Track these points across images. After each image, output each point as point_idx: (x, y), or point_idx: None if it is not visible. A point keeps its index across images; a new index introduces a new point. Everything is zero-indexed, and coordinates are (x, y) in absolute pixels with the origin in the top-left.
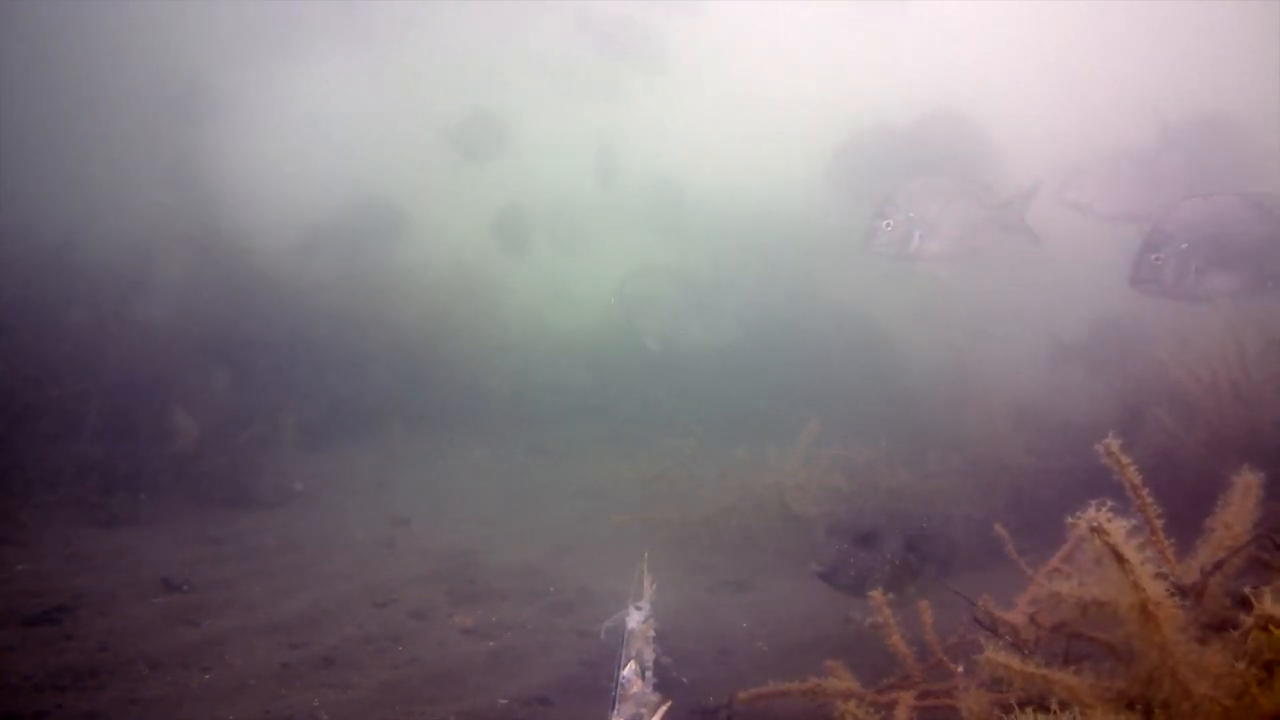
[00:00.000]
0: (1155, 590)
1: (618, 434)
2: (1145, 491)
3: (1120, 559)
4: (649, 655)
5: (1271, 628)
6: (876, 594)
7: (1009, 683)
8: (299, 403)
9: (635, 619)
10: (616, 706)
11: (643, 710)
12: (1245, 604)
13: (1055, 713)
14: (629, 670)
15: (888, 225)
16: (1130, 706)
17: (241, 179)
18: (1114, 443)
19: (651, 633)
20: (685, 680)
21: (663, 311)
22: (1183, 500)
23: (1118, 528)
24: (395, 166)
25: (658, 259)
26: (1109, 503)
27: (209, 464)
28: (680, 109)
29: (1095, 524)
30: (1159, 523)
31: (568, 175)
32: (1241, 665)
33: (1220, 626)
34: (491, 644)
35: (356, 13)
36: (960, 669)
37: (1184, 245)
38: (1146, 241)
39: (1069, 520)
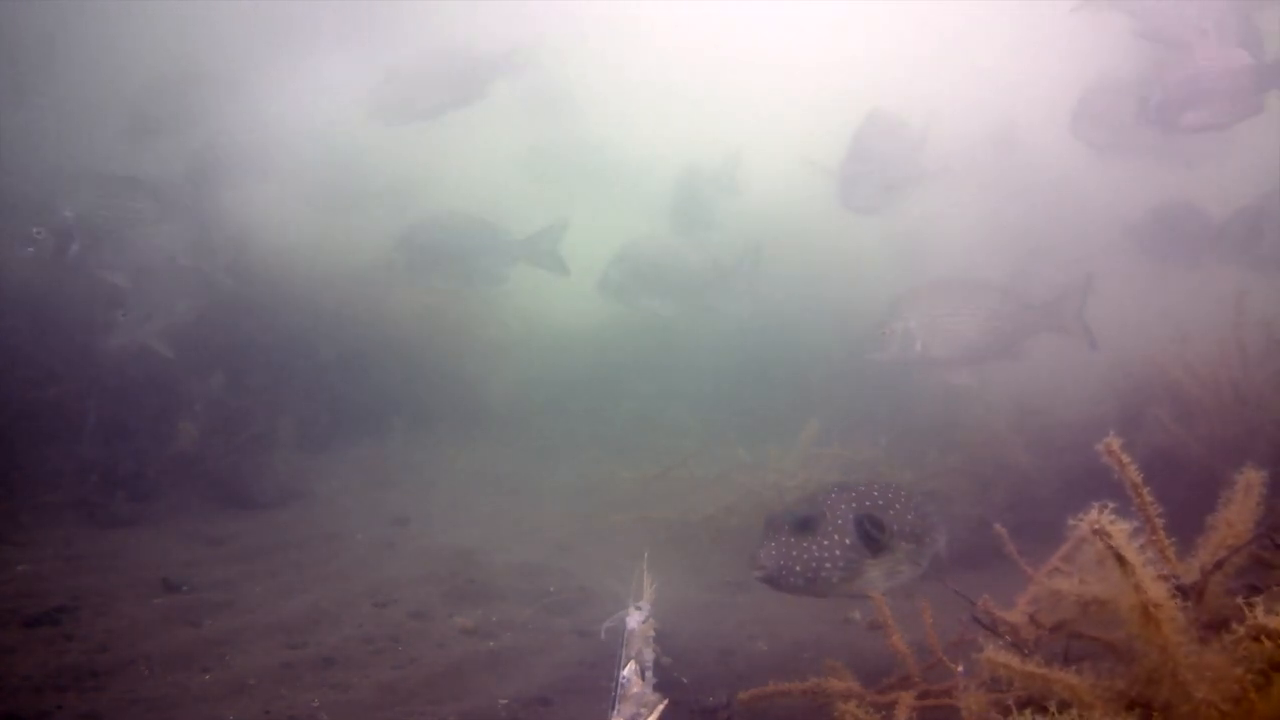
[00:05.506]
0: (1157, 592)
1: (618, 434)
2: (1146, 491)
3: (1122, 561)
4: (649, 655)
5: (1264, 639)
6: (877, 594)
7: (1008, 683)
8: (299, 403)
9: (635, 619)
10: (616, 706)
11: (643, 710)
12: (1249, 599)
13: (1054, 714)
14: (629, 670)
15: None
16: (1131, 707)
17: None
18: (1115, 442)
19: (651, 633)
20: (685, 680)
21: None
22: (1183, 499)
23: (1120, 530)
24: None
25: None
26: (1110, 505)
27: (209, 464)
28: None
29: (1098, 527)
30: (1159, 522)
31: None
32: (1239, 670)
33: (1221, 626)
34: (491, 644)
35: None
36: (960, 668)
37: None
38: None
39: (1070, 522)
